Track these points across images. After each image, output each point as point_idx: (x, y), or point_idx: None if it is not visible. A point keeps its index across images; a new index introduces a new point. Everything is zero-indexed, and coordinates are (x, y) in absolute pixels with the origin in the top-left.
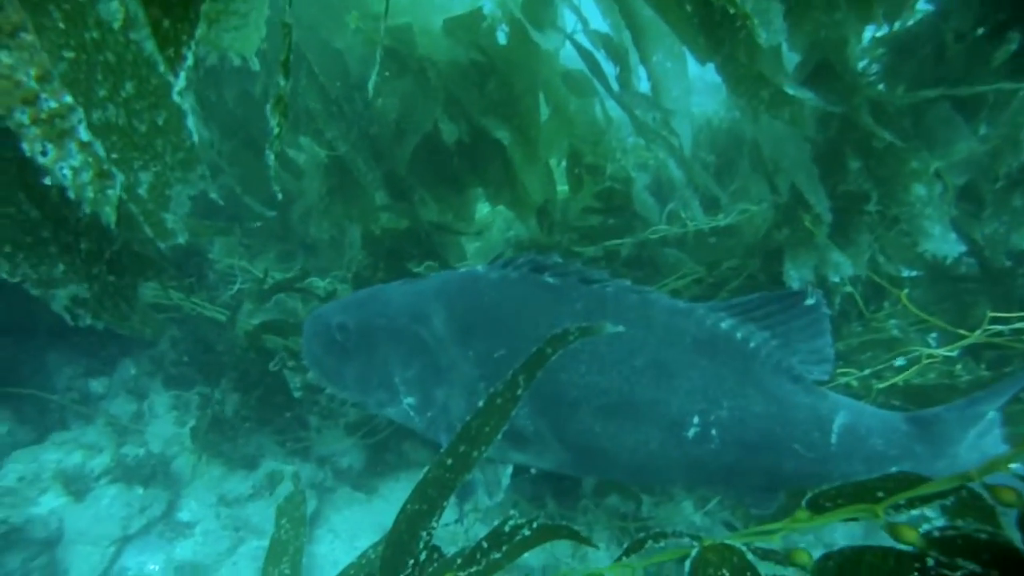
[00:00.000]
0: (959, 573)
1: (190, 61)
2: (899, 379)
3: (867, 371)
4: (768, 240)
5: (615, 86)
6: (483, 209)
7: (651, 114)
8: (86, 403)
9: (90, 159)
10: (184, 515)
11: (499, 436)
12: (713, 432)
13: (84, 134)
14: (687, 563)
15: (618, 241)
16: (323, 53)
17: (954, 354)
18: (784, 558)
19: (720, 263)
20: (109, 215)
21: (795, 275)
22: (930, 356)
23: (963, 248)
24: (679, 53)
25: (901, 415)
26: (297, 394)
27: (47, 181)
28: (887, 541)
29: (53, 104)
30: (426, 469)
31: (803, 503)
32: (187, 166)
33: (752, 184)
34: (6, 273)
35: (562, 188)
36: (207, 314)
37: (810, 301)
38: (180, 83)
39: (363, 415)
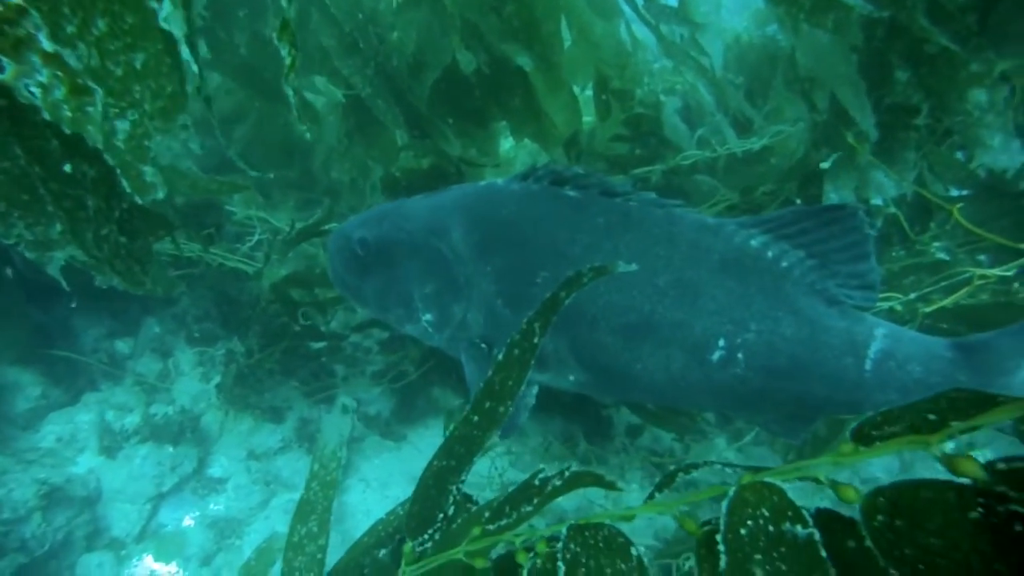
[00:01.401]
0: None
1: None
2: (948, 301)
3: (913, 295)
4: (806, 162)
5: (640, 2)
6: (506, 144)
7: (679, 32)
8: (113, 364)
9: (59, 72)
10: (215, 471)
11: (523, 387)
12: (739, 356)
13: (47, 44)
14: (724, 503)
15: (647, 168)
16: None
17: (1010, 273)
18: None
19: (755, 188)
20: (93, 135)
21: (835, 197)
22: (983, 276)
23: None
24: None
25: (946, 341)
26: (322, 343)
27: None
28: (930, 473)
29: (21, 32)
30: (452, 427)
31: (847, 434)
32: (168, 115)
33: (787, 104)
34: (0, 235)
35: (586, 119)
36: (229, 265)
37: (852, 219)
38: (166, 8)
39: (389, 362)
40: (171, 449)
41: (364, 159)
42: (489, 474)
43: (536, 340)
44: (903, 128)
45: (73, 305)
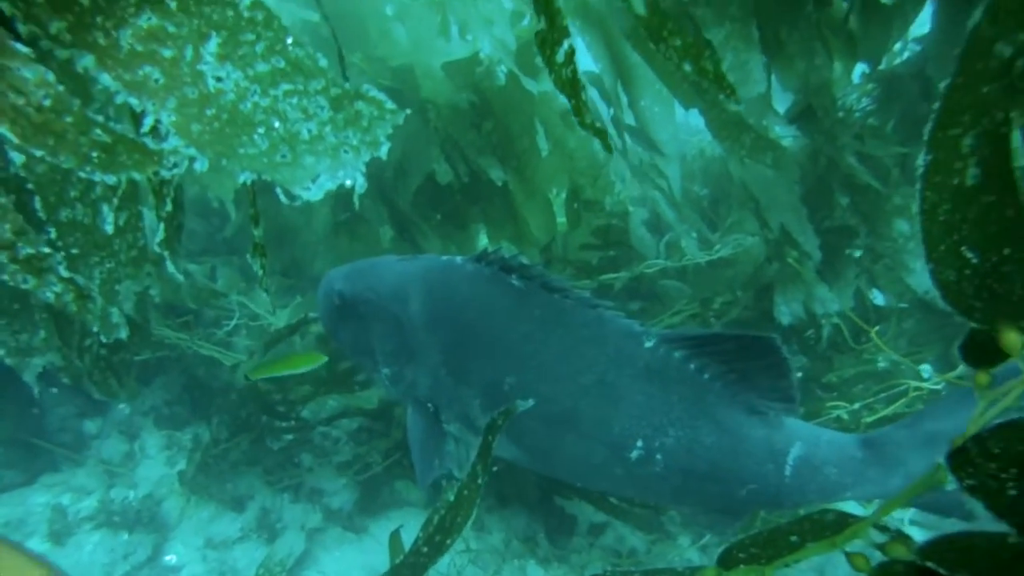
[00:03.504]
0: None
1: (169, 207)
2: (888, 411)
3: (857, 404)
4: (759, 275)
5: (610, 126)
6: (483, 240)
7: (641, 153)
8: (79, 443)
9: (71, 287)
10: (170, 559)
11: (469, 522)
12: (658, 457)
13: (64, 272)
14: None
15: (612, 275)
16: None
17: (939, 387)
18: None
19: (713, 299)
20: (91, 322)
21: (785, 310)
22: (918, 388)
23: None
24: (666, 97)
25: (856, 439)
26: (290, 436)
27: None
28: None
29: (30, 250)
30: (403, 556)
31: (716, 559)
32: (138, 263)
33: (746, 218)
34: None
35: (561, 220)
36: (204, 352)
37: (770, 347)
38: (160, 234)
39: (356, 453)
40: (126, 536)
41: (348, 252)
42: (448, 571)
43: (480, 480)
44: (844, 247)
45: (54, 390)
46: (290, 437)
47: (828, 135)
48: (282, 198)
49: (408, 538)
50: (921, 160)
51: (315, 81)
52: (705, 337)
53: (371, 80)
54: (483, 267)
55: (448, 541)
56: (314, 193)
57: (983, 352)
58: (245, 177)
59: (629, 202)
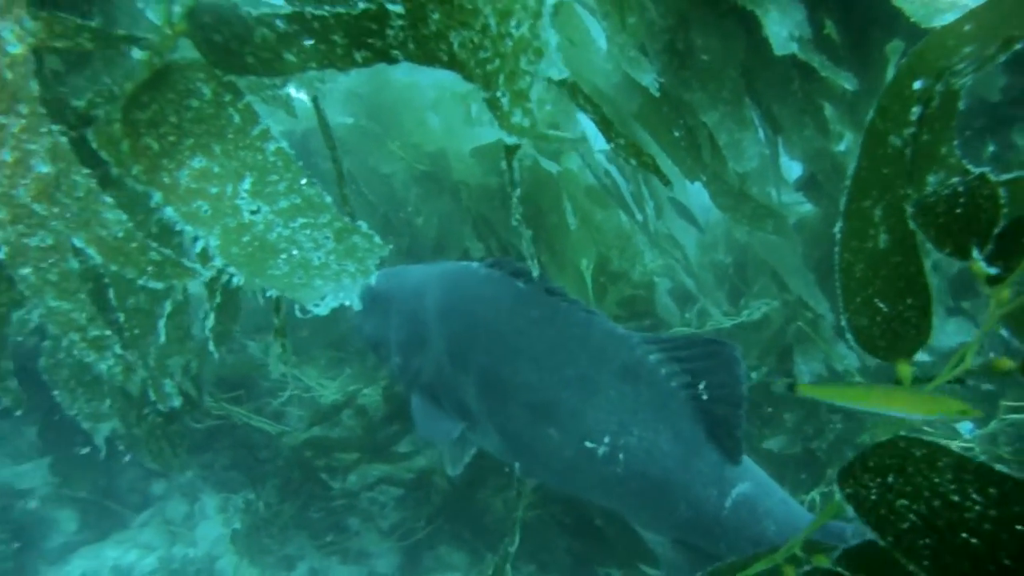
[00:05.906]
0: None
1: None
2: None
3: None
4: (780, 336)
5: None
6: None
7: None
8: (146, 504)
9: (121, 362)
10: None
11: None
12: (621, 456)
13: (118, 349)
14: None
15: None
16: (371, 176)
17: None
18: None
19: None
20: (133, 389)
21: (805, 368)
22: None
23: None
24: (676, 173)
25: (811, 518)
26: (339, 502)
27: None
28: None
29: (96, 333)
30: None
31: None
32: (183, 342)
33: (768, 281)
34: (65, 406)
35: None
36: (255, 424)
37: (730, 361)
38: (211, 322)
39: (402, 517)
40: None
41: None
42: None
43: (511, 549)
44: None
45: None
46: (340, 502)
47: (831, 200)
48: (298, 313)
49: None
50: (838, 228)
51: (323, 215)
52: (677, 340)
53: (408, 165)
54: (495, 271)
55: None
56: (322, 310)
57: None
58: (271, 293)
59: (654, 272)
